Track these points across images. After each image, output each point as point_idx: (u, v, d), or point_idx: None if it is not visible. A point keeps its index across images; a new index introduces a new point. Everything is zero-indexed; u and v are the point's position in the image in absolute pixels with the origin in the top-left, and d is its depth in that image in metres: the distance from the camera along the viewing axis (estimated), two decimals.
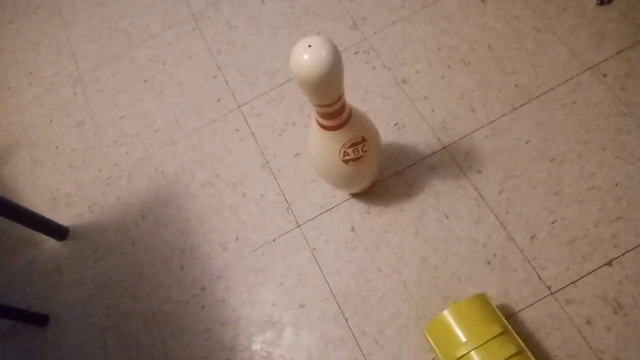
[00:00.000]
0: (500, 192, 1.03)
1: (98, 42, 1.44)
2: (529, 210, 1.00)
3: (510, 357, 0.79)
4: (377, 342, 0.95)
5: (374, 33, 1.26)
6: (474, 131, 1.10)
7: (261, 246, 1.07)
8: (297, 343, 0.97)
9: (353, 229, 1.05)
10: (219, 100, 1.26)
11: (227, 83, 1.28)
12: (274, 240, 1.07)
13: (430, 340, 0.87)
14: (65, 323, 1.08)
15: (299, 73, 0.70)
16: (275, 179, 1.14)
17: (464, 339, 0.81)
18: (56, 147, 1.31)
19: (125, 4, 1.49)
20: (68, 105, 1.36)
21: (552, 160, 1.04)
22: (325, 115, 0.81)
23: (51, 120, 1.35)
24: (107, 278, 1.12)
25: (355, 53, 1.24)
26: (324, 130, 0.84)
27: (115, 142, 1.27)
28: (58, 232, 1.17)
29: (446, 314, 0.84)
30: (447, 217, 1.02)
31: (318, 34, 1.28)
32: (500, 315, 0.85)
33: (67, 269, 1.15)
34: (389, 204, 1.06)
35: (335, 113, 0.80)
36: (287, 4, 1.36)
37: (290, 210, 1.10)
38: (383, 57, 1.22)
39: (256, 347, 0.99)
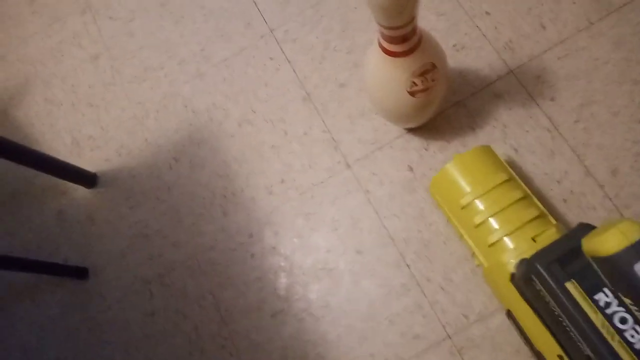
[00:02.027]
0: (577, 121, 0.92)
1: None
2: (610, 141, 0.90)
3: (515, 202, 0.77)
4: (443, 289, 0.89)
5: None
6: (545, 51, 0.96)
7: (309, 188, 0.99)
8: (357, 291, 0.92)
9: (410, 168, 0.95)
10: (247, 24, 1.12)
11: (254, 3, 1.13)
12: (322, 182, 0.99)
13: (436, 196, 0.85)
14: (106, 275, 1.03)
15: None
16: (319, 113, 1.03)
17: (468, 189, 0.80)
18: (72, 84, 1.19)
19: None
20: (78, 36, 1.22)
21: (636, 84, 0.92)
22: (393, 39, 0.70)
23: (62, 54, 1.22)
24: (144, 226, 1.05)
25: None
26: (389, 57, 0.74)
27: (136, 76, 1.15)
28: (86, 179, 1.09)
29: (450, 165, 0.82)
30: (517, 151, 0.92)
31: None
32: (506, 165, 0.83)
33: (100, 218, 1.07)
34: (450, 138, 0.95)
35: (406, 36, 0.69)
36: None
37: (338, 149, 1.00)
38: None
39: (313, 296, 0.93)
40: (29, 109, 1.19)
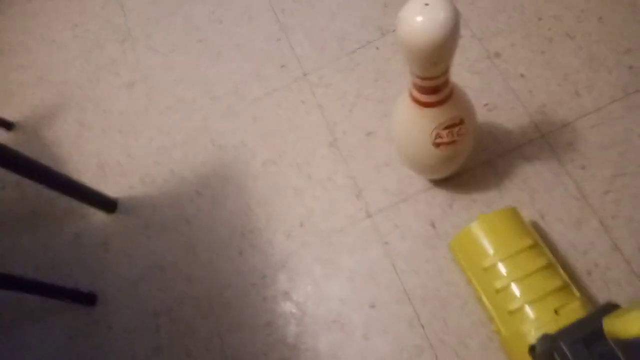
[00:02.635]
0: (607, 192, 0.89)
1: None
2: None
3: (539, 269, 0.75)
4: (457, 355, 0.85)
5: None
6: (578, 118, 0.95)
7: (328, 235, 0.97)
8: (368, 347, 0.89)
9: (433, 224, 0.94)
10: (282, 66, 1.14)
11: (292, 47, 1.15)
12: (342, 229, 0.97)
13: (457, 254, 0.84)
14: (115, 303, 1.02)
15: (409, 36, 0.59)
16: (345, 160, 1.02)
17: (491, 251, 0.77)
18: (104, 109, 1.21)
19: None
20: (116, 63, 1.25)
21: None
22: (424, 90, 0.70)
23: (98, 80, 1.25)
24: (159, 257, 1.04)
25: None
26: (418, 106, 0.73)
27: (169, 108, 1.17)
28: (107, 204, 1.09)
29: (474, 225, 0.80)
30: (543, 218, 0.90)
31: None
32: (532, 230, 0.81)
33: (116, 244, 1.07)
34: (476, 197, 0.94)
35: (438, 88, 0.69)
36: None
37: (361, 197, 0.99)
38: (472, 25, 1.07)
39: (322, 347, 0.90)
40: (60, 129, 1.21)
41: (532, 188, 0.92)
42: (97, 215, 1.11)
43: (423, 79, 0.67)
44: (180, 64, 1.21)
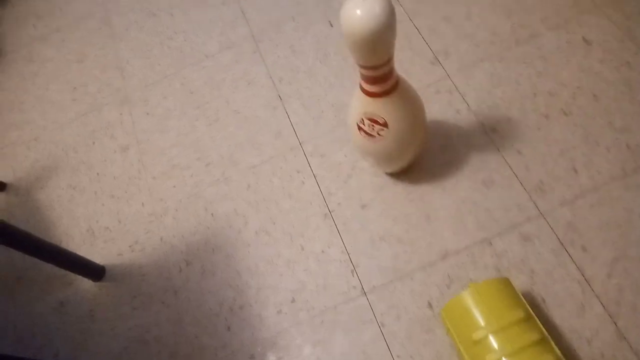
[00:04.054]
0: (609, 276, 0.87)
1: (148, 58, 1.33)
2: None
3: (532, 344, 0.73)
4: None
5: (458, 70, 1.11)
6: (577, 197, 0.94)
7: (321, 312, 0.94)
8: None
9: (430, 305, 0.90)
10: (278, 134, 1.13)
11: (288, 115, 1.15)
12: (335, 307, 0.94)
13: (447, 323, 0.81)
14: None
15: (350, 27, 0.66)
16: (339, 232, 1.00)
17: (482, 322, 0.75)
18: (97, 173, 1.20)
19: (180, 18, 1.38)
20: (113, 127, 1.25)
21: None
22: (365, 78, 0.77)
23: (94, 142, 1.24)
24: (144, 331, 1.00)
25: (436, 92, 1.10)
26: (360, 91, 0.81)
27: (162, 173, 1.15)
28: (94, 272, 1.06)
29: (465, 294, 0.78)
30: (544, 302, 0.87)
31: None
32: (525, 301, 0.79)
33: (101, 315, 1.03)
34: (474, 277, 0.91)
35: (376, 79, 0.76)
36: None
37: (355, 273, 0.96)
38: (468, 100, 1.07)
39: None
40: (52, 192, 1.20)
41: (532, 269, 0.89)
42: (84, 283, 1.07)
43: (363, 67, 0.74)
44: (176, 128, 1.20)
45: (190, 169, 1.14)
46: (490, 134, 1.03)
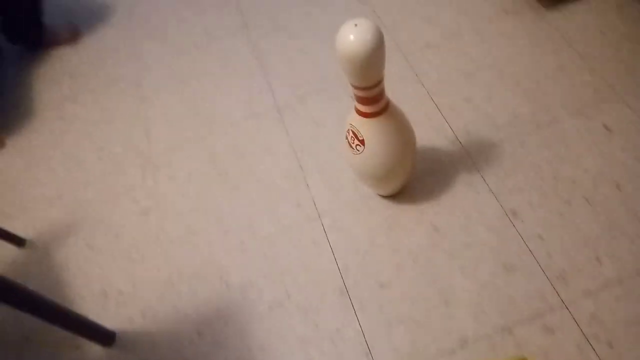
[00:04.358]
0: None
1: (174, 122, 1.37)
2: None
3: None
4: None
5: (478, 150, 1.12)
6: (602, 289, 0.91)
7: None
8: None
9: None
10: (298, 205, 1.14)
11: (308, 186, 1.16)
12: None
13: None
14: None
15: (343, 50, 0.75)
16: (355, 312, 0.98)
17: None
18: (116, 234, 1.20)
19: (208, 85, 1.42)
20: (135, 188, 1.27)
21: None
22: (358, 98, 0.86)
23: (115, 203, 1.26)
24: None
25: (454, 170, 1.10)
26: (354, 111, 0.89)
27: (180, 238, 1.16)
28: (104, 337, 1.04)
29: None
30: None
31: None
32: None
33: None
34: None
35: (367, 100, 0.84)
36: None
37: (370, 357, 0.93)
38: (489, 180, 1.07)
39: None
40: (69, 251, 1.20)
41: None
42: (94, 348, 1.05)
43: (355, 87, 0.83)
44: (197, 193, 1.22)
45: (208, 235, 1.15)
46: (511, 217, 1.02)
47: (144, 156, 1.33)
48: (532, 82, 1.19)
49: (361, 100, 0.85)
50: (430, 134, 1.17)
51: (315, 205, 1.13)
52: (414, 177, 1.10)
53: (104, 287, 1.13)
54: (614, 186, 1.02)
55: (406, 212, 1.07)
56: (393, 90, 1.24)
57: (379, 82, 0.81)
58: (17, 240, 1.22)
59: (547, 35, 1.25)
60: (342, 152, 0.99)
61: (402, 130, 0.94)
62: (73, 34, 1.68)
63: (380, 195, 1.10)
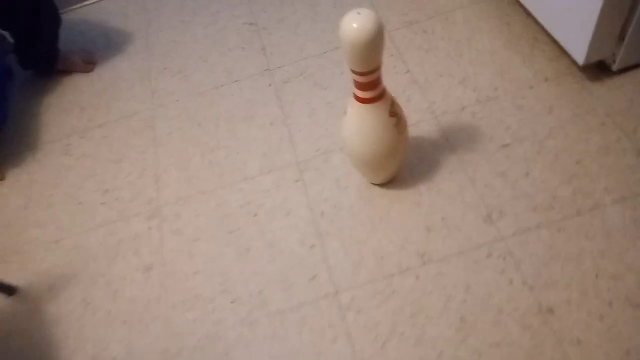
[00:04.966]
0: None
1: (186, 170, 1.29)
2: None
3: None
4: None
5: (513, 234, 1.04)
6: None
7: None
8: None
9: None
10: (313, 277, 1.05)
11: (325, 257, 1.08)
12: None
13: None
14: None
15: (347, 36, 0.82)
16: None
17: None
18: (115, 290, 1.12)
19: (225, 132, 1.35)
20: (139, 241, 1.19)
21: None
22: (364, 86, 0.91)
23: (117, 256, 1.17)
24: None
25: (487, 256, 1.02)
26: (362, 104, 0.95)
27: (183, 302, 1.07)
28: None
29: None
30: None
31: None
32: None
33: None
34: None
35: (375, 83, 0.91)
36: (408, 173, 1.16)
37: None
38: (523, 270, 0.99)
39: None
40: (64, 305, 1.12)
41: None
42: None
43: (356, 73, 0.89)
44: (205, 253, 1.14)
45: (213, 302, 1.06)
46: (547, 315, 0.93)
47: (152, 204, 1.25)
48: (573, 159, 1.11)
49: (360, 86, 0.92)
50: (461, 210, 1.08)
51: (332, 279, 1.05)
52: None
53: (96, 350, 1.05)
54: None
55: (431, 297, 0.99)
56: (423, 155, 1.17)
57: (377, 69, 0.89)
58: (6, 288, 1.14)
59: (590, 109, 1.18)
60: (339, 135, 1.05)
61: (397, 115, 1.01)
62: (87, 62, 1.62)
63: (372, 183, 1.15)
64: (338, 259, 1.07)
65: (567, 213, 1.04)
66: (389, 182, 1.15)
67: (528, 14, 1.34)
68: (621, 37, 1.13)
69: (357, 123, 0.99)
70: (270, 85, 1.43)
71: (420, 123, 1.24)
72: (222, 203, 1.21)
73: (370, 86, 0.92)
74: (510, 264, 1.00)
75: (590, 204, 1.05)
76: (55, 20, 1.52)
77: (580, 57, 1.17)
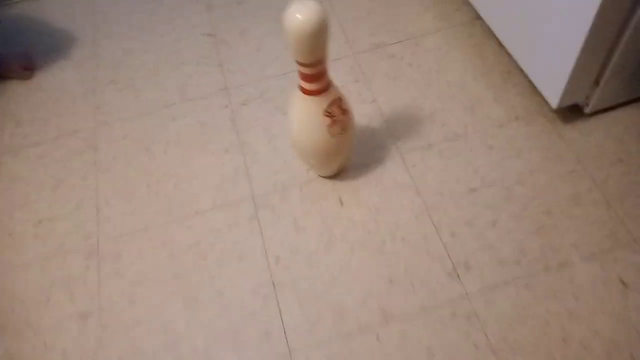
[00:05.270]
0: None
1: (130, 201, 1.18)
2: None
3: None
4: None
5: (479, 290, 0.98)
6: None
7: None
8: None
9: None
10: (266, 334, 0.97)
11: (280, 311, 1.00)
12: None
13: None
14: None
15: (291, 27, 0.81)
16: None
17: None
18: (45, 342, 1.01)
19: (175, 159, 1.24)
20: (75, 283, 1.07)
21: None
22: (307, 77, 0.91)
23: (49, 300, 1.06)
24: None
25: (452, 315, 0.96)
26: (306, 96, 0.94)
27: (122, 358, 0.97)
28: None
29: None
30: None
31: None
32: None
33: None
34: None
35: (317, 76, 0.91)
36: (371, 217, 1.09)
37: None
38: (489, 332, 0.94)
39: None
40: None
41: None
42: None
43: (304, 65, 0.88)
44: (147, 300, 1.04)
45: (155, 359, 0.96)
46: None
47: (91, 240, 1.13)
48: (541, 209, 1.06)
49: (303, 77, 0.91)
50: (426, 261, 1.02)
51: (286, 338, 0.97)
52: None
53: None
54: (629, 358, 0.89)
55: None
56: (387, 196, 1.10)
57: (322, 60, 0.89)
58: None
59: (561, 154, 1.13)
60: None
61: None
62: (26, 67, 1.47)
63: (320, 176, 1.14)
64: (293, 315, 0.99)
65: (534, 269, 1.00)
66: (350, 228, 1.08)
67: (501, 44, 1.28)
68: (596, 81, 1.08)
69: (296, 112, 0.99)
70: (226, 106, 1.32)
71: (385, 160, 1.16)
72: (168, 242, 1.11)
73: (312, 78, 0.91)
74: (476, 325, 0.95)
75: (558, 260, 1.00)
76: None
77: (553, 99, 1.12)
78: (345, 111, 0.98)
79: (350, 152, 1.12)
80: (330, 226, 1.09)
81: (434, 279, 1.00)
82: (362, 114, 1.24)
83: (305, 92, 0.94)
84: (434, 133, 1.20)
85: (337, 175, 1.15)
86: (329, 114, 0.95)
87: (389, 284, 1.01)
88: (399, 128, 1.22)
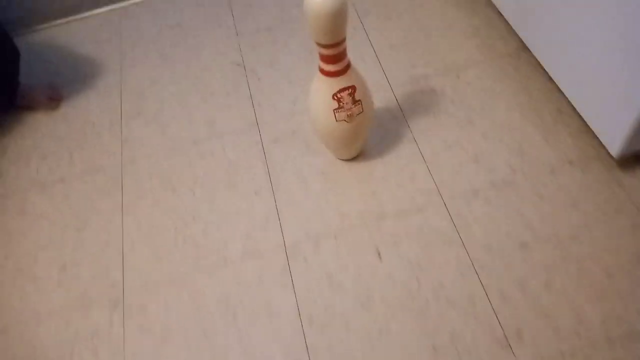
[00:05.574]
0: None
1: (157, 247, 1.12)
2: None
3: None
4: None
5: None
6: None
7: None
8: None
9: None
10: None
11: None
12: None
13: None
14: None
15: (312, 10, 0.83)
16: None
17: None
18: None
19: (203, 201, 1.18)
20: (99, 337, 1.03)
21: None
22: (328, 59, 0.93)
23: (71, 354, 1.01)
24: None
25: None
26: (324, 76, 0.96)
27: None
28: None
29: None
30: None
31: None
32: None
33: None
34: None
35: (337, 57, 0.93)
36: (413, 274, 1.01)
37: None
38: None
39: None
40: None
41: None
42: None
43: (323, 46, 0.90)
44: (174, 356, 0.98)
45: None
46: None
47: (116, 289, 1.08)
48: (602, 271, 0.97)
49: (324, 58, 0.93)
50: (473, 326, 0.94)
51: None
52: None
53: None
54: None
55: None
56: (428, 252, 1.02)
57: (343, 41, 0.91)
58: None
59: (621, 206, 1.03)
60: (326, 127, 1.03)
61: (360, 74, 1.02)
62: (52, 98, 1.43)
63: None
64: None
65: (594, 340, 0.91)
66: (389, 286, 1.00)
67: (550, 77, 1.18)
68: None
69: (313, 91, 1.01)
70: (257, 143, 1.26)
71: (426, 207, 1.08)
72: (196, 295, 1.05)
73: (330, 59, 0.93)
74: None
75: (622, 332, 0.91)
76: (12, 54, 1.33)
77: (613, 147, 1.02)
78: (357, 102, 0.99)
79: (364, 142, 1.14)
80: (367, 283, 1.02)
81: (483, 348, 0.92)
82: (400, 155, 1.16)
83: (323, 72, 0.96)
84: (479, 178, 1.11)
85: (374, 225, 1.07)
86: (337, 98, 0.97)
87: (432, 353, 0.93)
88: (440, 171, 1.13)
